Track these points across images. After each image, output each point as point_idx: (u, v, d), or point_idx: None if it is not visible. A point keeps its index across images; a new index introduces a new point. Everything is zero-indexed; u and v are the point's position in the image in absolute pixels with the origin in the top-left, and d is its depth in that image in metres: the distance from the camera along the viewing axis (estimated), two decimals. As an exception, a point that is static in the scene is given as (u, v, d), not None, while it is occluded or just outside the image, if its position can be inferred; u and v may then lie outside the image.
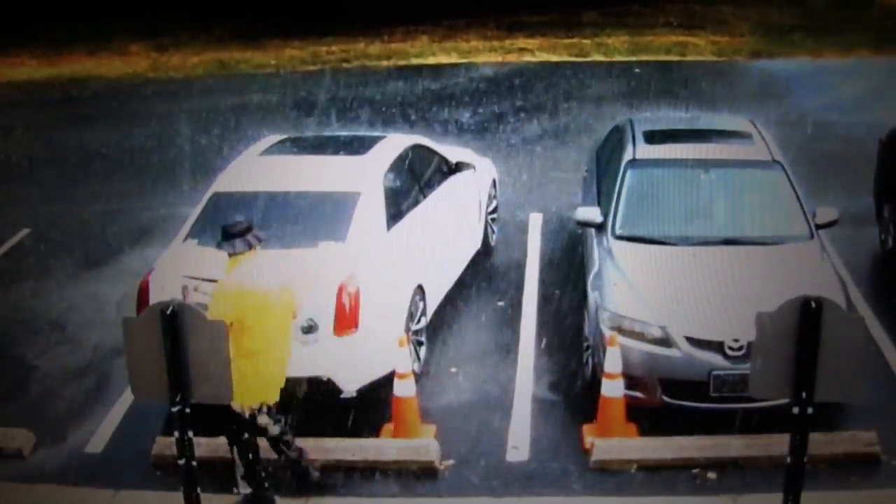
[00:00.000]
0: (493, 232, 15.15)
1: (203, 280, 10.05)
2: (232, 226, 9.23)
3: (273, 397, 9.44)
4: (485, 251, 14.72)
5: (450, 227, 13.53)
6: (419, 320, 12.02)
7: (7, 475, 10.45)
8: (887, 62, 24.73)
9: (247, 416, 9.38)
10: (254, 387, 9.21)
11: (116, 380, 11.72)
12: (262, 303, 9.14)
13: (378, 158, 12.80)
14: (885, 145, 14.82)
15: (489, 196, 15.06)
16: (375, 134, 14.24)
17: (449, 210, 13.62)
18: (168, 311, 7.78)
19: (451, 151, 14.68)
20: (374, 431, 10.88)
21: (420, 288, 12.04)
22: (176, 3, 33.18)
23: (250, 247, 9.19)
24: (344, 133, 15.79)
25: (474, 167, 14.60)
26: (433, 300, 12.55)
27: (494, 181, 15.45)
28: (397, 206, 12.38)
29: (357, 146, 13.38)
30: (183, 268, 11.17)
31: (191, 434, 8.14)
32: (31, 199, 17.79)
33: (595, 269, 11.89)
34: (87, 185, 18.55)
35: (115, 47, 30.20)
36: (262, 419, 9.43)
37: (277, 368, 9.40)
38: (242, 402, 9.16)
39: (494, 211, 15.34)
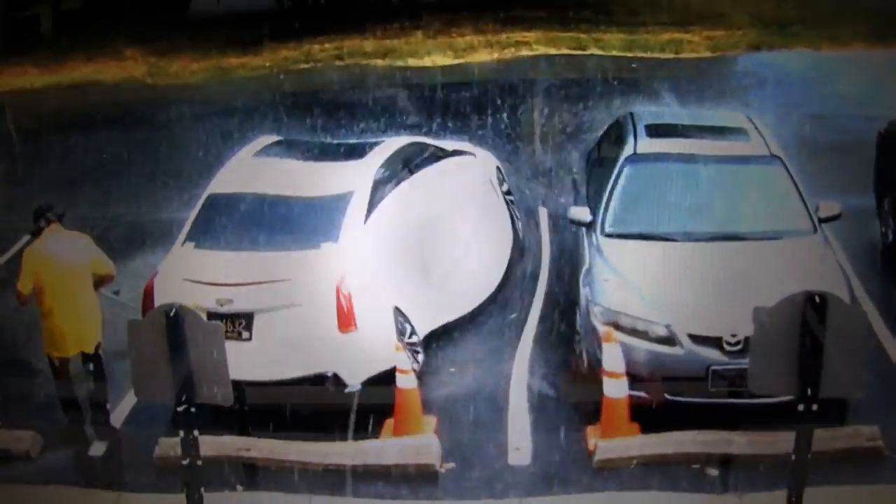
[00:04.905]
0: (518, 217, 15.11)
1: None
2: (37, 210, 11.10)
3: (75, 349, 11.03)
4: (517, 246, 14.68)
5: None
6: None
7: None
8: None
9: (57, 364, 11.12)
10: (56, 339, 10.99)
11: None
12: (58, 268, 10.88)
13: (370, 162, 12.70)
14: (884, 138, 14.58)
15: (499, 179, 15.07)
16: (371, 140, 14.06)
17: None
18: (171, 314, 7.77)
19: (449, 144, 14.87)
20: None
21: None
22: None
23: (49, 223, 11.03)
24: (336, 141, 15.53)
25: (474, 154, 14.85)
26: None
27: (499, 167, 15.43)
28: (394, 204, 12.42)
29: (348, 152, 13.31)
30: (184, 271, 11.38)
31: (196, 433, 8.12)
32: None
33: (586, 266, 11.87)
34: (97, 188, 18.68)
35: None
36: (74, 368, 11.15)
37: (73, 324, 10.97)
38: (51, 352, 11.06)
39: (509, 193, 15.31)
